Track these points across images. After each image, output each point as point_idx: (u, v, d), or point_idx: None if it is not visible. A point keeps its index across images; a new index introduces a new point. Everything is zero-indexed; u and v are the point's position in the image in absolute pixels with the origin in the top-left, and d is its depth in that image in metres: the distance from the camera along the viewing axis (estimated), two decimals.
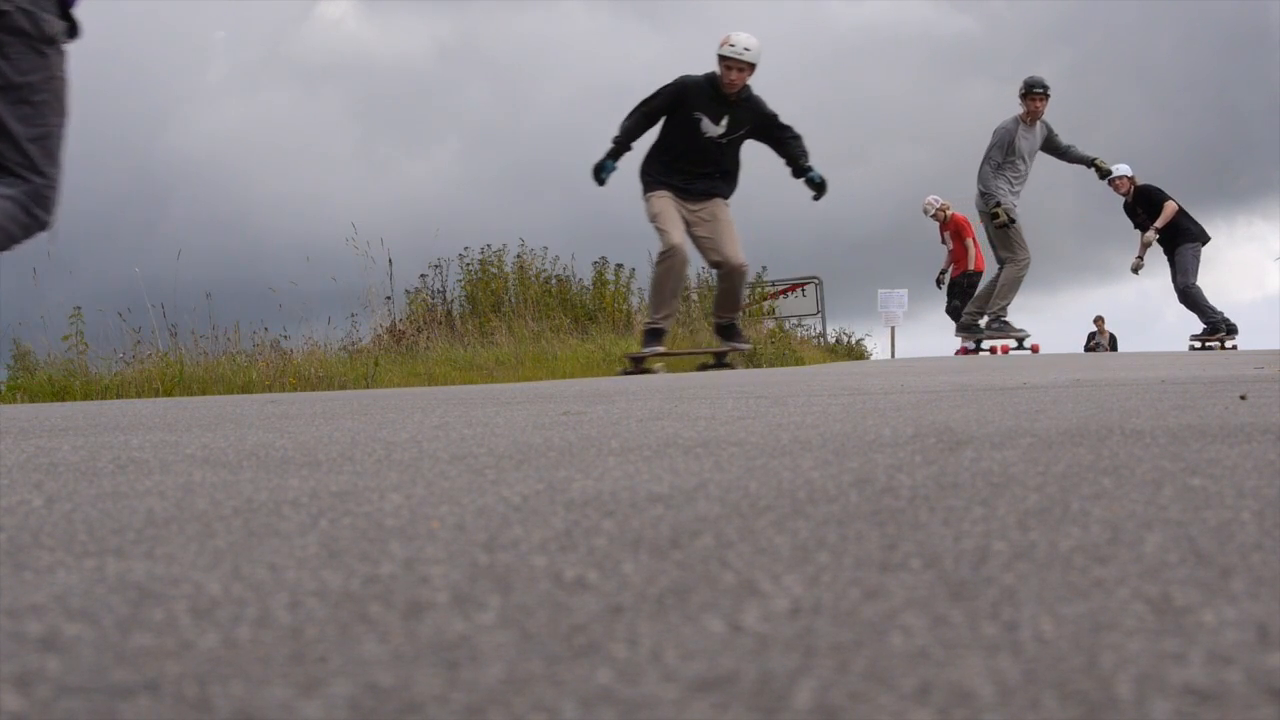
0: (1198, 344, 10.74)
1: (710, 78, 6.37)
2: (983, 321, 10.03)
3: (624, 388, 3.73)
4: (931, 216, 12.00)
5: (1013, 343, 10.07)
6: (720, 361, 7.01)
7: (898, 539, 0.84)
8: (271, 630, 0.62)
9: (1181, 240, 10.61)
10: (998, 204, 9.36)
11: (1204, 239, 10.60)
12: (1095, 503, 0.98)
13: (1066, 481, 1.11)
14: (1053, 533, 0.85)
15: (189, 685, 0.53)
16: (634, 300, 11.32)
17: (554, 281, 11.42)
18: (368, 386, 6.37)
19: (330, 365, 7.17)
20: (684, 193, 6.48)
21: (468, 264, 11.38)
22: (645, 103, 6.46)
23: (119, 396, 5.75)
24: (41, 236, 2.86)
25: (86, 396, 5.87)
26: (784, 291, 13.98)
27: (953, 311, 11.80)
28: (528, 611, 0.65)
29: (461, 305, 11.30)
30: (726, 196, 6.67)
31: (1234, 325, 10.66)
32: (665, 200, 6.46)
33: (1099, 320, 15.64)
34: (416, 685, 0.52)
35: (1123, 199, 10.97)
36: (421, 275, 11.50)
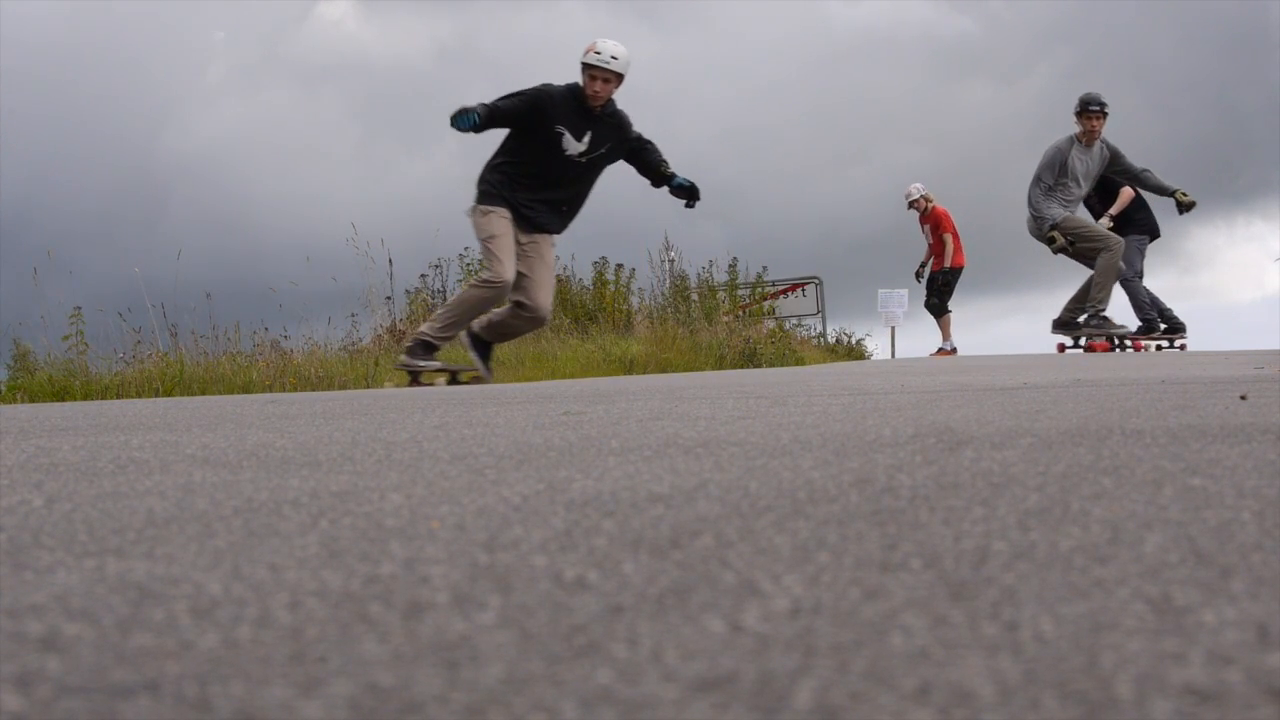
0: (1127, 344, 10.05)
1: (573, 89, 5.68)
2: (1081, 318, 9.28)
3: (624, 388, 3.73)
4: (910, 205, 11.52)
5: (1110, 339, 9.21)
6: (455, 379, 5.95)
7: (898, 539, 0.84)
8: (271, 630, 0.62)
9: (1127, 231, 9.83)
10: (1053, 227, 8.76)
11: (1154, 233, 9.91)
12: (1095, 503, 0.98)
13: (1067, 481, 1.11)
14: (1053, 533, 0.85)
15: (189, 685, 0.53)
16: (634, 300, 11.33)
17: None
18: (368, 386, 6.37)
19: (330, 365, 7.17)
20: (523, 219, 5.76)
21: (468, 264, 11.38)
22: (506, 99, 5.67)
23: (119, 396, 5.75)
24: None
25: (86, 396, 5.87)
26: (784, 291, 13.99)
27: (931, 307, 11.45)
28: (528, 611, 0.65)
29: None
30: (558, 232, 5.98)
31: (1179, 323, 9.94)
32: (506, 223, 5.72)
33: None
34: (416, 685, 0.52)
35: None
36: (421, 275, 11.50)
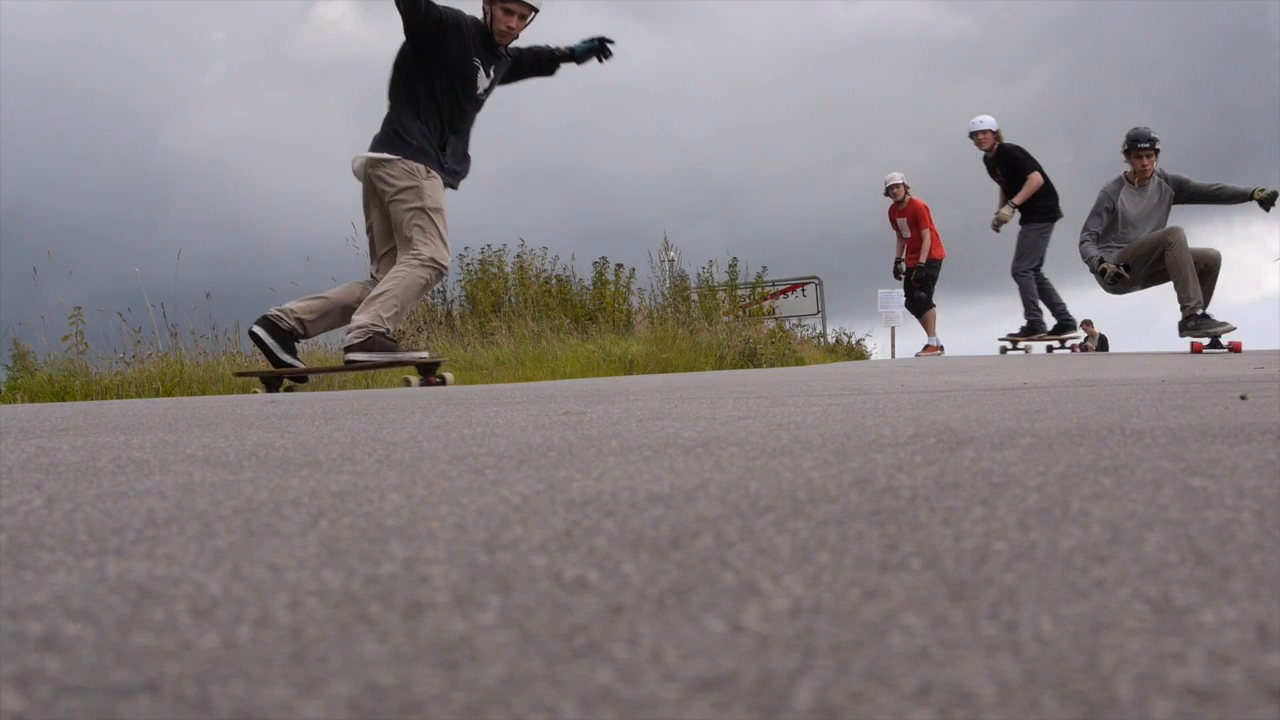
0: (1008, 344, 9.75)
1: (478, 22, 5.04)
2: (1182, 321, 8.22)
3: (624, 388, 3.73)
4: (889, 190, 10.96)
5: (1206, 340, 8.00)
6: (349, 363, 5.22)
7: (898, 539, 0.84)
8: (271, 630, 0.62)
9: (1028, 218, 9.53)
10: (1102, 262, 8.04)
11: (1054, 216, 9.46)
12: (1095, 503, 0.98)
13: (1067, 481, 1.11)
14: (1053, 533, 0.85)
15: (189, 685, 0.53)
16: (634, 300, 11.33)
17: (554, 281, 11.43)
18: (368, 386, 6.37)
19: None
20: (445, 180, 5.10)
21: (468, 264, 11.39)
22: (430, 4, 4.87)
23: (119, 396, 5.75)
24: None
25: (86, 396, 5.87)
26: (784, 291, 14.00)
27: (915, 302, 11.03)
28: (528, 611, 0.65)
29: (461, 305, 11.31)
30: (455, 188, 5.26)
31: (1070, 321, 9.52)
32: (440, 192, 5.05)
33: (1087, 324, 15.69)
34: (416, 685, 0.52)
35: (983, 154, 9.77)
36: None
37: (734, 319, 11.49)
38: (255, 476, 1.33)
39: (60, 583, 0.76)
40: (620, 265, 11.46)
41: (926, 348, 11.10)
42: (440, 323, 10.62)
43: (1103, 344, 15.47)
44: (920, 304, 11.12)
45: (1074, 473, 1.17)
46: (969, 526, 0.89)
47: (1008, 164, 9.66)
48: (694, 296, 11.31)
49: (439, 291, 11.21)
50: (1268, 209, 7.98)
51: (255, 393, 5.11)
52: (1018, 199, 9.49)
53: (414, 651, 0.57)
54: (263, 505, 1.09)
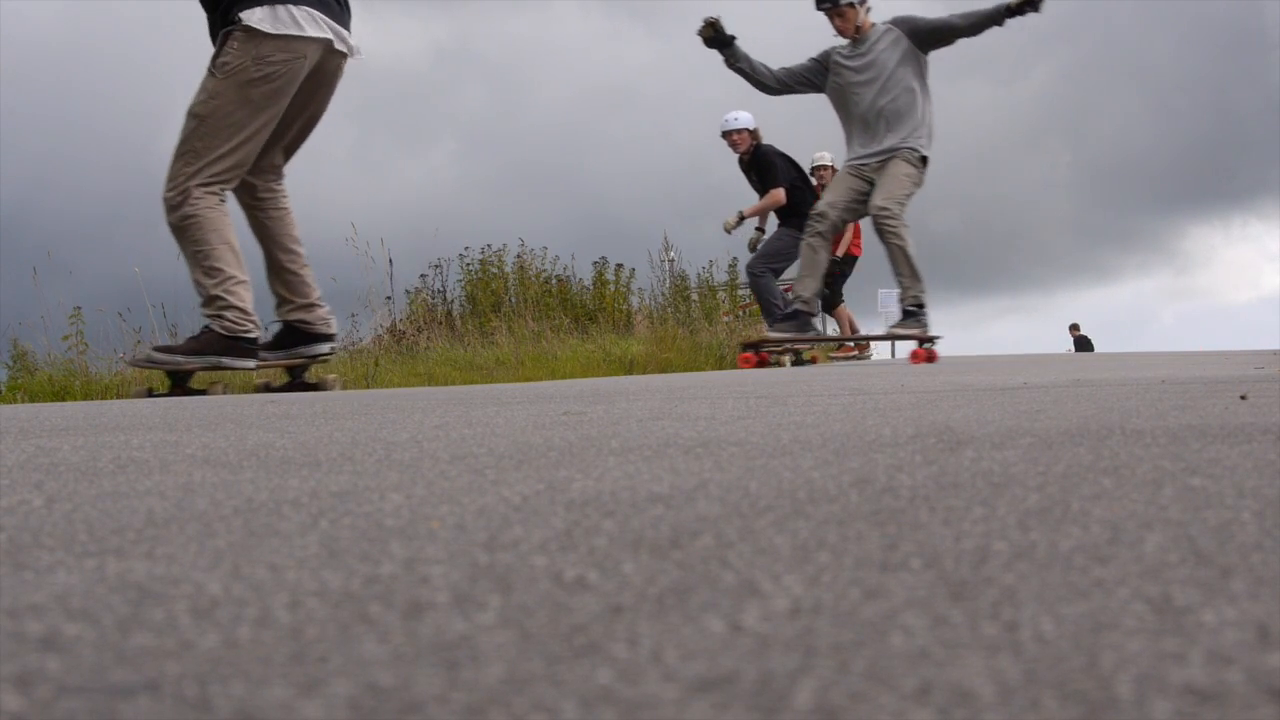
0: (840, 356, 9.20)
1: None
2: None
3: (624, 388, 3.73)
4: (813, 172, 9.96)
5: None
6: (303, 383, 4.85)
7: (898, 539, 0.84)
8: (271, 630, 0.62)
9: (789, 222, 8.69)
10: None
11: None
12: (1095, 503, 0.98)
13: (1067, 481, 1.11)
14: (1053, 533, 0.85)
15: (189, 685, 0.53)
16: (634, 300, 11.33)
17: (554, 281, 11.44)
18: (368, 386, 6.37)
19: (330, 365, 7.17)
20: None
21: (468, 264, 11.40)
22: None
23: (119, 396, 5.75)
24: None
25: (86, 396, 5.87)
26: (784, 291, 13.98)
27: (825, 300, 10.02)
28: (528, 611, 0.65)
29: (462, 305, 11.32)
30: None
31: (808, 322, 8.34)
32: None
33: (1074, 328, 15.72)
34: (416, 685, 0.52)
35: (739, 156, 8.90)
36: (421, 275, 11.50)
37: (734, 319, 11.49)
38: (255, 476, 1.33)
39: (60, 583, 0.76)
40: (620, 265, 11.47)
41: (842, 348, 10.52)
42: (440, 322, 10.62)
43: (1087, 345, 15.48)
44: (828, 301, 10.33)
45: (1074, 473, 1.17)
46: (969, 526, 0.88)
47: (760, 168, 8.83)
48: (694, 296, 11.31)
49: (438, 291, 11.23)
50: (1010, 15, 6.68)
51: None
52: (748, 211, 8.85)
53: (414, 651, 0.57)
54: (263, 505, 1.09)
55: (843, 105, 7.22)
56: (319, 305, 4.81)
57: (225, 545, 0.88)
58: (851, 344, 10.58)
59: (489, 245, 11.41)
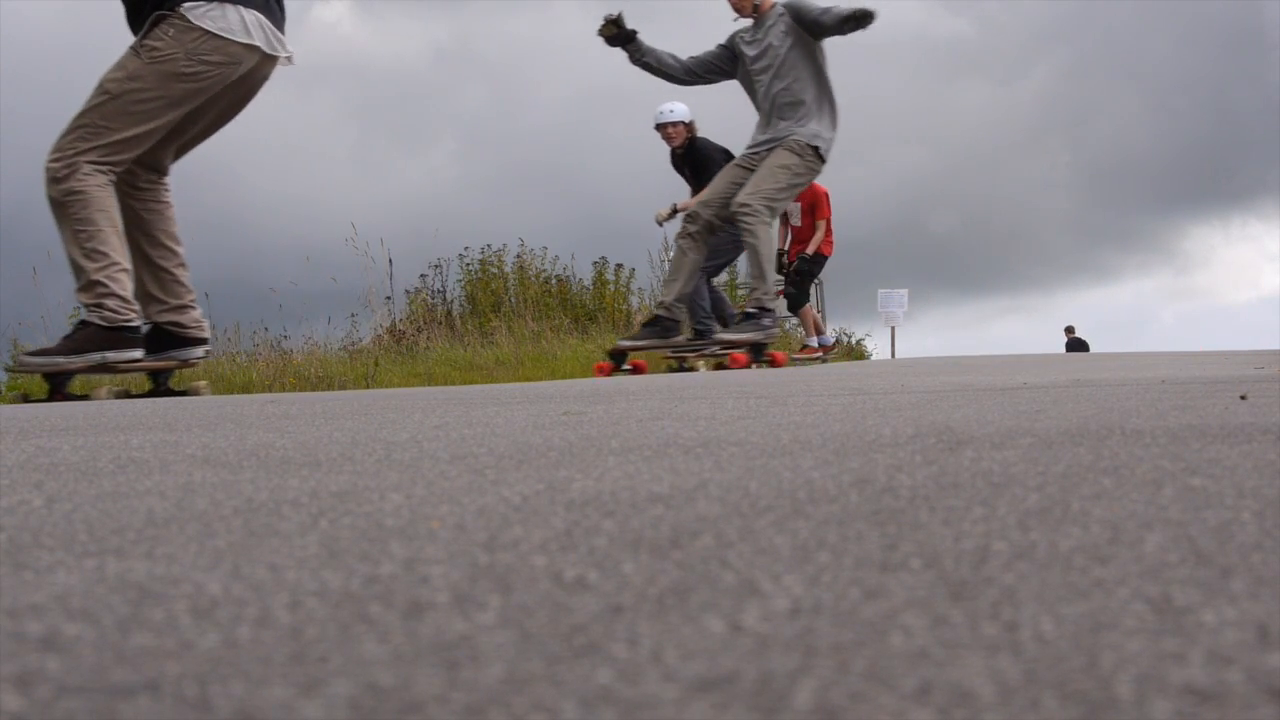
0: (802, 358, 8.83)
1: None
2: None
3: (624, 388, 3.73)
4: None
5: None
6: None
7: (898, 539, 0.84)
8: (271, 630, 0.62)
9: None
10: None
11: None
12: (1095, 503, 0.98)
13: (1067, 481, 1.11)
14: (1053, 533, 0.85)
15: (189, 685, 0.53)
16: (634, 300, 11.33)
17: (554, 281, 11.45)
18: (368, 386, 6.37)
19: (330, 365, 7.18)
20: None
21: (468, 264, 11.40)
22: None
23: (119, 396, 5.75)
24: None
25: (86, 396, 5.86)
26: (784, 292, 13.97)
27: (788, 298, 9.83)
28: (528, 611, 0.65)
29: (461, 305, 11.33)
30: None
31: (707, 326, 7.78)
32: None
33: (1069, 330, 15.76)
34: (416, 685, 0.52)
35: (671, 150, 8.35)
36: (421, 275, 11.51)
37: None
38: (255, 476, 1.33)
39: (60, 583, 0.76)
40: (620, 265, 11.47)
41: (805, 349, 10.10)
42: (440, 322, 10.62)
43: (1082, 346, 15.51)
44: (793, 301, 9.94)
45: (1074, 473, 1.17)
46: (969, 526, 0.89)
47: (696, 162, 8.24)
48: None
49: (438, 291, 11.26)
50: (851, 27, 6.31)
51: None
52: (683, 205, 8.16)
53: (414, 651, 0.57)
54: (263, 505, 1.09)
55: (751, 93, 6.85)
56: (192, 308, 4.56)
57: (225, 545, 0.88)
58: (815, 344, 10.33)
59: (489, 245, 11.42)
